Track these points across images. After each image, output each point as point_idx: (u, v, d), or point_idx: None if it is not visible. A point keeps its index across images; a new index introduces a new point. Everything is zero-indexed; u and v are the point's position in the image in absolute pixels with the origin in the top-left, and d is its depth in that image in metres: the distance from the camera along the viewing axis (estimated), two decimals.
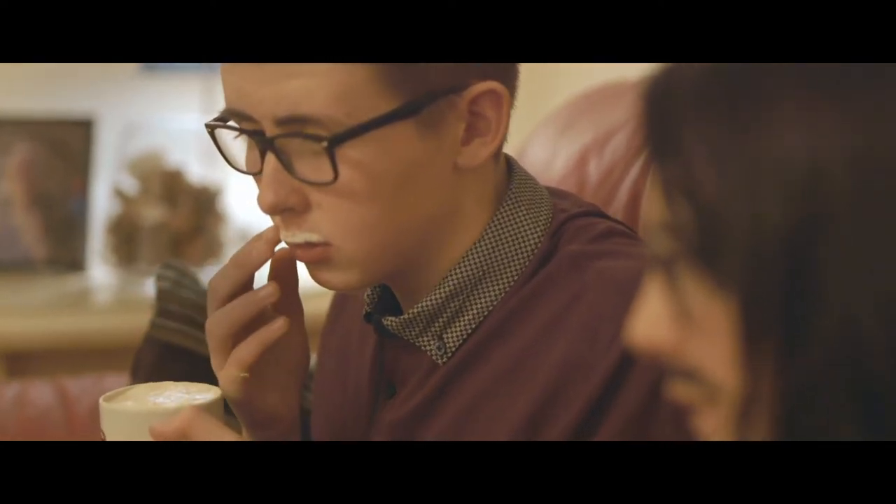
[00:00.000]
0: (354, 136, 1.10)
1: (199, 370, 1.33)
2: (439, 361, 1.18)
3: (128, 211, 2.85)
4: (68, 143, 2.90)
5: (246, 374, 1.16)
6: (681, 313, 0.73)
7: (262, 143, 1.13)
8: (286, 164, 1.12)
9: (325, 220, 1.13)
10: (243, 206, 3.03)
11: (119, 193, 2.88)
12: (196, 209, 2.86)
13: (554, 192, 1.25)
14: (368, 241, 1.13)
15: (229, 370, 1.17)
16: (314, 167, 1.11)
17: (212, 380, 1.19)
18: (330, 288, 1.18)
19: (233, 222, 2.93)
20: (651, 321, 0.75)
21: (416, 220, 1.15)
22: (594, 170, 1.55)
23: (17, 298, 2.70)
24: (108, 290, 2.80)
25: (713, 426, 0.74)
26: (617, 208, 1.45)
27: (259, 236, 1.17)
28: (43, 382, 1.99)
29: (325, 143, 1.09)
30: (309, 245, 1.14)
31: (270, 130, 1.12)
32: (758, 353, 0.70)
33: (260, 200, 1.13)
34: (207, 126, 1.18)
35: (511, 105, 1.17)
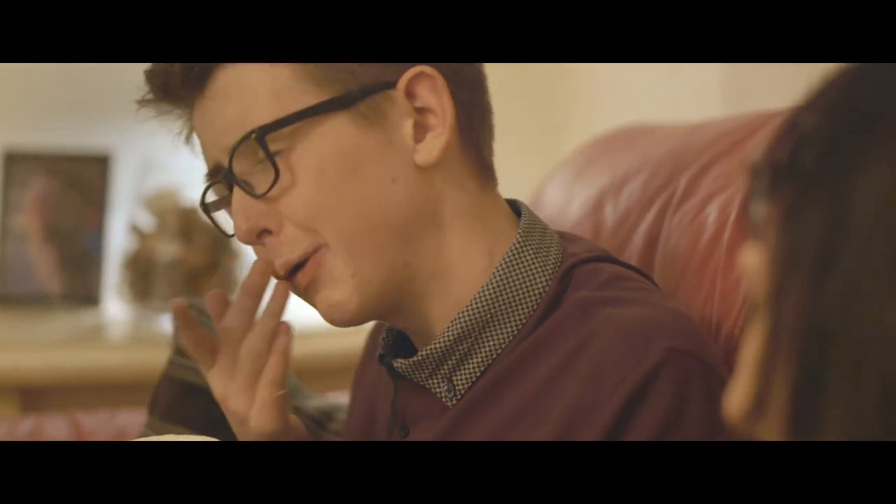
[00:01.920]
0: (281, 126, 1.15)
1: (216, 409, 1.34)
2: (448, 404, 1.19)
3: (143, 247, 2.86)
4: (85, 179, 2.91)
5: (283, 391, 1.18)
6: (758, 234, 0.78)
7: (225, 179, 1.19)
8: (247, 189, 1.17)
9: (298, 228, 1.17)
10: None
11: (135, 229, 2.89)
12: (211, 246, 2.86)
13: (566, 237, 1.26)
14: (347, 233, 1.17)
15: (264, 395, 1.18)
16: (267, 179, 1.16)
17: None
18: (334, 315, 1.20)
19: (247, 259, 2.93)
20: (752, 249, 0.79)
21: (387, 214, 1.17)
22: (610, 214, 1.56)
23: (32, 333, 2.70)
24: (123, 326, 2.80)
25: (751, 340, 0.77)
26: (632, 252, 1.46)
27: (252, 272, 1.20)
28: (57, 417, 2.00)
29: (254, 136, 1.15)
30: (301, 264, 1.18)
31: (227, 166, 1.18)
32: (786, 286, 0.73)
33: (236, 231, 1.18)
34: (201, 207, 1.25)
35: (455, 93, 1.20)
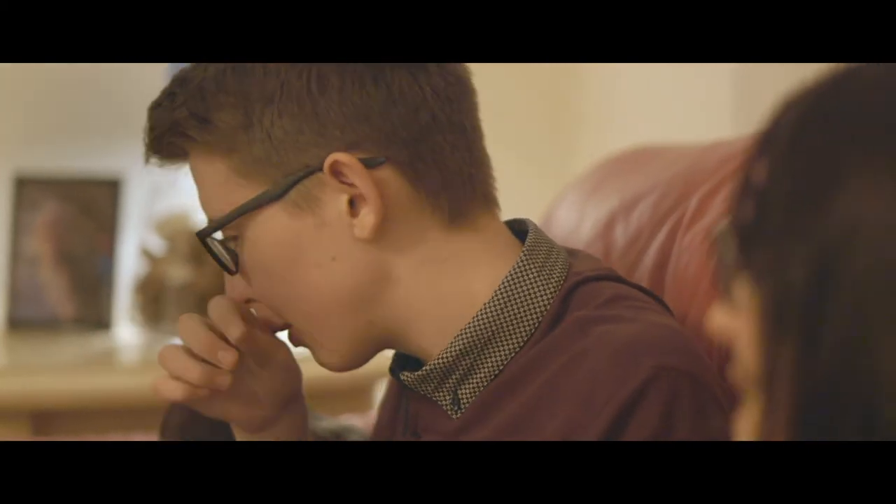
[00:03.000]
0: (218, 227, 1.22)
1: (226, 432, 1.34)
2: (453, 416, 1.21)
3: (154, 270, 2.86)
4: (96, 203, 2.92)
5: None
6: (731, 302, 0.77)
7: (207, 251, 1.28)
8: (222, 264, 1.26)
9: (265, 305, 1.25)
10: None
11: (146, 253, 2.89)
12: (222, 269, 2.87)
13: (574, 255, 1.26)
14: (302, 317, 1.23)
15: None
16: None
17: None
18: (327, 368, 1.27)
19: None
20: (721, 310, 0.78)
21: (334, 292, 1.21)
22: (621, 234, 1.56)
23: (44, 357, 2.70)
24: (135, 350, 2.80)
25: (746, 418, 0.76)
26: (643, 273, 1.46)
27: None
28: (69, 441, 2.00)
29: (198, 236, 1.24)
30: (284, 328, 1.26)
31: None
32: (776, 352, 0.72)
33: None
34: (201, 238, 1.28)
35: (393, 155, 1.20)
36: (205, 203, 1.24)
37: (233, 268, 1.24)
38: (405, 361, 1.28)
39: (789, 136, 0.74)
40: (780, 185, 0.73)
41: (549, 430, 1.12)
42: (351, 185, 1.19)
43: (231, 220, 1.21)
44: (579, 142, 2.69)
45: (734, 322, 0.76)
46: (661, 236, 1.47)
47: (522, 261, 1.21)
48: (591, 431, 1.09)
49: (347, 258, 1.20)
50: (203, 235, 1.23)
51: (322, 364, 1.25)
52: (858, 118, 0.72)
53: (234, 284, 1.26)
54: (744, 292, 0.75)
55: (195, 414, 1.37)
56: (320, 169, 1.18)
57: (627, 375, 1.09)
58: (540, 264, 1.21)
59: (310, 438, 1.41)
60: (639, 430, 1.08)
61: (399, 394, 1.34)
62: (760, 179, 0.74)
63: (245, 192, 1.20)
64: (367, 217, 1.19)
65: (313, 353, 1.25)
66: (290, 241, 1.20)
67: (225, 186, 1.21)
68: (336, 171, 1.19)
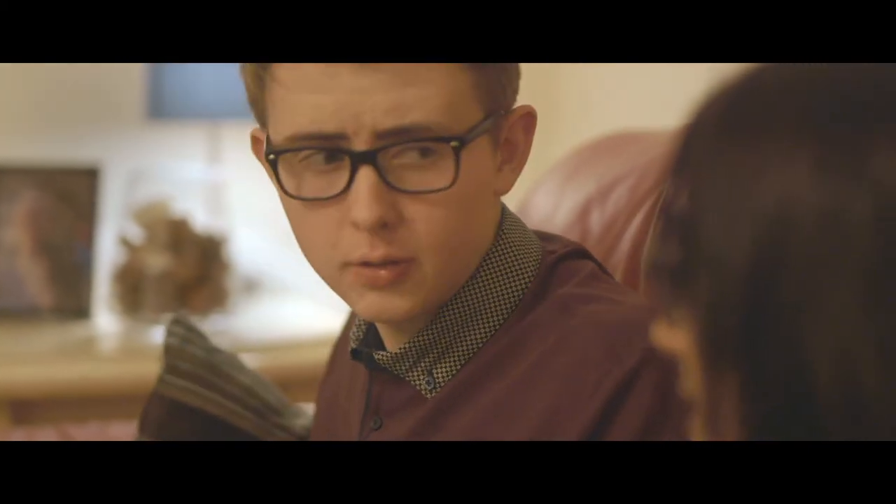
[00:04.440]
0: (475, 139, 1.14)
1: (206, 429, 1.34)
2: (427, 396, 1.20)
3: (133, 259, 2.86)
4: (74, 192, 2.91)
5: None
6: (669, 322, 0.76)
7: (360, 157, 1.12)
8: (387, 177, 1.12)
9: (416, 234, 1.13)
10: (248, 255, 3.04)
11: (124, 242, 2.89)
12: (201, 258, 2.87)
13: (541, 235, 1.27)
14: (449, 255, 1.15)
15: None
16: (420, 178, 1.13)
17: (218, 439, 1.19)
18: (387, 317, 1.17)
19: (238, 271, 2.94)
20: (662, 325, 0.77)
21: (478, 240, 1.18)
22: (597, 220, 1.57)
23: (23, 346, 2.70)
24: (114, 338, 2.80)
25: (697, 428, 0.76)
26: (619, 259, 1.46)
27: None
28: (48, 430, 2.00)
29: (454, 144, 1.12)
30: (391, 263, 1.14)
31: (365, 145, 1.12)
32: (717, 378, 0.72)
33: (361, 217, 1.11)
34: (271, 153, 1.16)
35: None
36: (418, 104, 1.12)
37: (416, 185, 1.13)
38: (368, 343, 1.26)
39: (706, 163, 0.73)
40: (700, 209, 0.72)
41: (537, 410, 1.12)
42: (509, 140, 1.19)
43: (481, 134, 1.14)
44: (556, 130, 2.69)
45: (676, 342, 0.75)
46: (637, 222, 1.47)
47: (503, 239, 1.21)
48: (584, 414, 1.09)
49: (490, 210, 1.20)
50: (464, 142, 1.12)
51: (389, 310, 1.15)
52: (766, 127, 0.71)
53: (385, 200, 1.12)
54: (682, 318, 0.74)
55: (175, 408, 1.36)
56: (507, 114, 1.18)
57: (620, 358, 1.09)
58: (518, 242, 1.21)
59: (286, 438, 1.41)
60: (632, 414, 1.08)
61: (352, 376, 1.32)
62: (682, 210, 0.73)
63: (472, 112, 1.14)
64: (511, 175, 1.20)
65: (398, 297, 1.15)
66: (486, 175, 1.17)
67: (463, 99, 1.13)
68: (513, 123, 1.19)
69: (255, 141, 1.22)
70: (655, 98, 2.59)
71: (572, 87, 2.76)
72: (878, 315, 0.67)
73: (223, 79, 2.77)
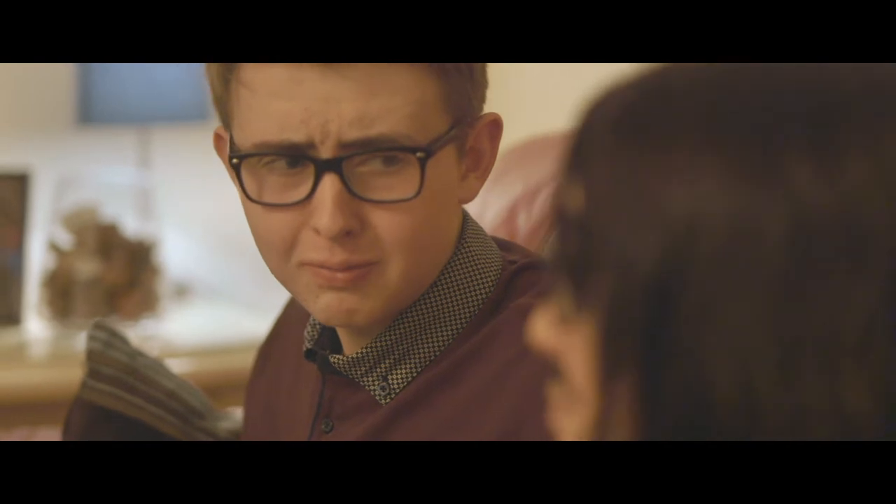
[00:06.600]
0: (441, 149, 1.13)
1: (129, 433, 1.33)
2: (382, 402, 1.19)
3: (63, 265, 2.85)
4: (3, 197, 2.90)
5: None
6: (561, 319, 0.73)
7: (325, 165, 1.11)
8: (352, 185, 1.12)
9: (378, 240, 1.13)
10: (178, 260, 3.03)
11: (54, 247, 2.87)
12: (131, 263, 2.86)
13: (500, 244, 1.26)
14: (411, 261, 1.14)
15: None
16: (384, 185, 1.12)
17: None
18: (344, 319, 1.16)
19: (168, 276, 2.93)
20: (544, 322, 0.74)
21: (441, 248, 1.18)
22: (523, 223, 1.57)
23: None
24: (43, 344, 2.79)
25: (572, 429, 0.74)
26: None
27: None
28: None
29: (420, 154, 1.12)
30: (350, 267, 1.13)
31: (331, 153, 1.11)
32: (613, 384, 0.69)
33: (324, 226, 1.11)
34: (235, 158, 1.15)
35: None
36: (383, 115, 1.12)
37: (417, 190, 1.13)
38: (324, 345, 1.24)
39: (603, 162, 0.70)
40: (600, 211, 0.70)
41: (493, 423, 1.12)
42: (474, 147, 1.18)
43: (446, 144, 1.14)
44: None
45: (563, 338, 0.72)
46: None
47: (464, 247, 1.20)
48: (544, 429, 1.08)
49: (454, 217, 1.20)
50: (430, 153, 1.12)
51: (349, 312, 1.14)
52: (674, 129, 0.69)
53: (348, 209, 1.12)
54: (577, 316, 0.72)
55: (97, 416, 1.36)
56: (474, 123, 1.18)
57: None
58: (479, 251, 1.21)
59: (205, 438, 1.40)
60: None
61: (297, 376, 1.32)
62: (578, 207, 0.71)
63: (438, 121, 1.14)
64: (475, 183, 1.19)
65: (358, 300, 1.14)
66: (450, 184, 1.17)
67: (429, 109, 1.13)
68: (479, 132, 1.19)
69: (217, 139, 1.22)
70: (578, 101, 2.60)
71: (496, 89, 2.77)
72: (781, 329, 0.65)
73: (153, 83, 2.76)
